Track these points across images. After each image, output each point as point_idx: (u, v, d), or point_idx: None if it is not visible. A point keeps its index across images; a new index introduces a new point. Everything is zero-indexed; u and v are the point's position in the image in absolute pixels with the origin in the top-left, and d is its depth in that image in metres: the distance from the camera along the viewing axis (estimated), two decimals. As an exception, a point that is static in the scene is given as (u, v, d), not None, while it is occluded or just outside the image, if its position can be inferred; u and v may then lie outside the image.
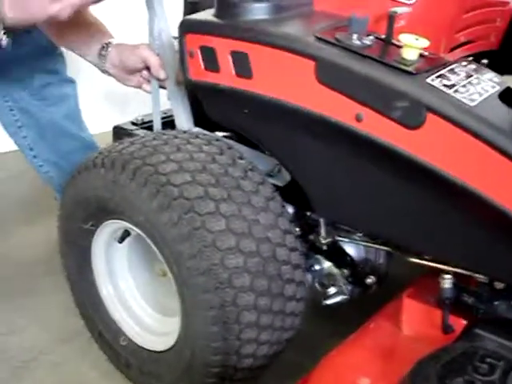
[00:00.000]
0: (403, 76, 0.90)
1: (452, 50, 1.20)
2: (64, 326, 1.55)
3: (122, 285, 1.33)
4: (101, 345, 1.37)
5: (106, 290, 1.32)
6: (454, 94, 0.88)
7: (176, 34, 1.22)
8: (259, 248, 1.06)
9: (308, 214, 1.28)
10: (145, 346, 1.27)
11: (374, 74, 0.91)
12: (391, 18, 0.98)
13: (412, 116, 0.88)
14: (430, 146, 0.88)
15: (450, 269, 1.04)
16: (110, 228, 1.23)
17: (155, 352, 1.24)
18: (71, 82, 1.65)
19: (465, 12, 1.17)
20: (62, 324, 1.56)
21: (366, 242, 1.22)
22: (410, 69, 0.90)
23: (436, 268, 1.06)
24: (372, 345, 1.14)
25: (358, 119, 0.93)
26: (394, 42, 0.99)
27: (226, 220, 1.05)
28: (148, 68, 1.33)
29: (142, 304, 1.32)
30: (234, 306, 1.04)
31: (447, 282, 1.04)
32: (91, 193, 1.18)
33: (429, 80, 0.90)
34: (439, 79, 0.90)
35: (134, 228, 1.15)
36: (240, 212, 1.07)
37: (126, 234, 1.26)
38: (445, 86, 0.89)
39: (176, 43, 1.29)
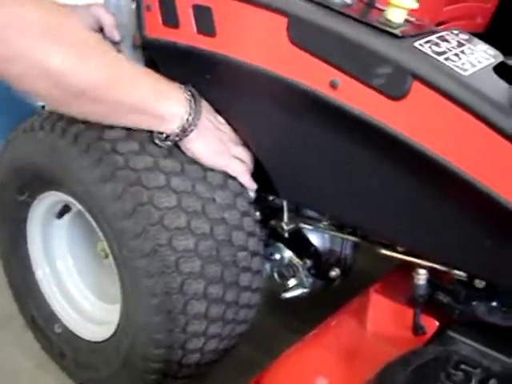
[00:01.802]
0: (387, 39, 0.79)
1: (437, 25, 1.09)
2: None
3: (60, 265, 1.20)
4: (34, 331, 1.23)
5: (41, 271, 1.19)
6: (444, 62, 0.77)
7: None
8: (213, 230, 0.95)
9: (270, 197, 1.16)
10: (81, 335, 1.14)
11: (353, 35, 0.79)
12: (375, -21, 0.87)
13: (395, 84, 0.76)
14: (414, 120, 0.77)
15: (425, 263, 0.93)
16: (47, 201, 1.10)
17: (92, 342, 1.11)
18: None
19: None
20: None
21: (333, 230, 1.10)
22: (395, 31, 0.79)
23: (409, 262, 0.95)
24: (333, 343, 1.02)
25: (333, 86, 0.81)
26: (377, 5, 0.88)
27: (176, 196, 0.92)
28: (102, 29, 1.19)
29: (80, 288, 1.20)
30: (180, 294, 0.92)
31: (421, 277, 0.93)
32: (27, 159, 1.05)
33: (416, 44, 0.78)
34: (428, 45, 0.79)
35: (73, 200, 1.02)
36: (193, 189, 0.94)
37: (66, 209, 1.12)
38: (434, 52, 0.78)
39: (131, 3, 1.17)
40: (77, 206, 1.03)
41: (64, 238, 1.18)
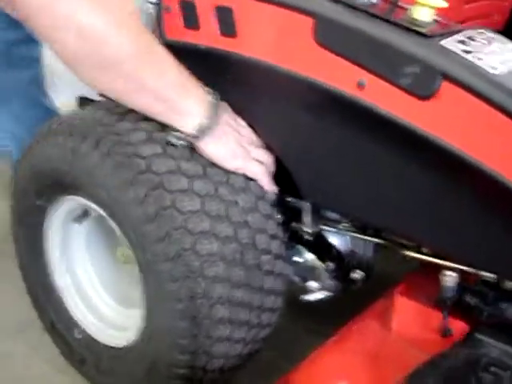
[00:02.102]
0: (415, 38, 0.77)
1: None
2: (16, 316, 1.40)
3: (79, 271, 1.18)
4: (53, 337, 1.22)
5: (60, 276, 1.18)
6: (474, 60, 0.76)
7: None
8: (237, 233, 0.94)
9: (291, 199, 1.15)
10: (102, 341, 1.13)
11: (380, 35, 0.78)
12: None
13: (424, 84, 0.75)
14: (444, 120, 0.75)
15: (453, 265, 0.92)
16: (66, 206, 1.09)
17: (114, 348, 1.10)
18: (37, 42, 1.49)
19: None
20: (14, 313, 1.41)
21: (355, 232, 1.09)
22: (423, 30, 0.78)
23: (435, 264, 0.94)
24: (358, 347, 1.01)
25: (360, 86, 0.80)
26: (401, 4, 0.87)
27: (200, 199, 0.91)
28: None
29: (100, 293, 1.18)
30: (205, 299, 0.91)
31: (449, 279, 0.91)
32: (47, 164, 1.04)
33: (444, 43, 0.77)
34: (457, 44, 0.78)
35: (94, 206, 1.01)
36: (216, 192, 0.93)
37: (85, 214, 1.11)
38: (463, 51, 0.77)
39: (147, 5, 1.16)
40: (96, 210, 1.02)
41: (83, 244, 1.17)
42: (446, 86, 0.74)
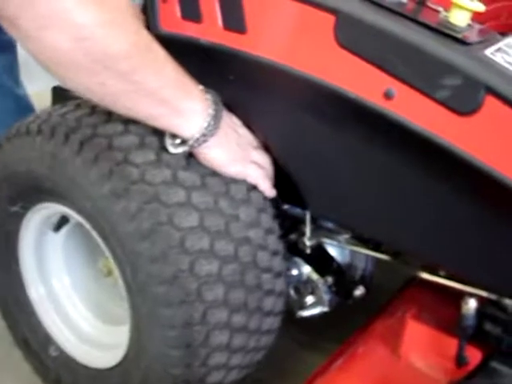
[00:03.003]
0: (454, 45, 0.68)
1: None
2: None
3: (56, 282, 1.08)
4: (25, 353, 1.11)
5: (34, 288, 1.07)
6: (520, 73, 0.67)
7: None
8: (237, 251, 0.84)
9: (288, 207, 1.06)
10: (80, 360, 1.02)
11: (414, 39, 0.69)
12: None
13: (465, 98, 0.67)
14: (486, 139, 0.67)
15: (473, 290, 0.84)
16: (43, 212, 0.98)
17: (93, 368, 1.00)
18: None
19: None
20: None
21: (358, 246, 1.01)
22: (463, 37, 0.69)
23: (454, 288, 0.86)
24: (364, 374, 0.93)
25: (388, 96, 0.71)
26: (430, 5, 0.78)
27: (198, 214, 0.81)
28: None
29: (79, 307, 1.08)
30: (202, 325, 0.82)
31: (471, 307, 0.84)
32: (22, 167, 0.93)
33: (488, 53, 0.68)
34: (500, 54, 0.69)
35: (76, 215, 0.90)
36: (216, 204, 0.84)
37: (64, 220, 1.00)
38: (508, 62, 0.68)
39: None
40: (76, 217, 0.92)
41: (60, 253, 1.06)
42: (490, 101, 0.65)
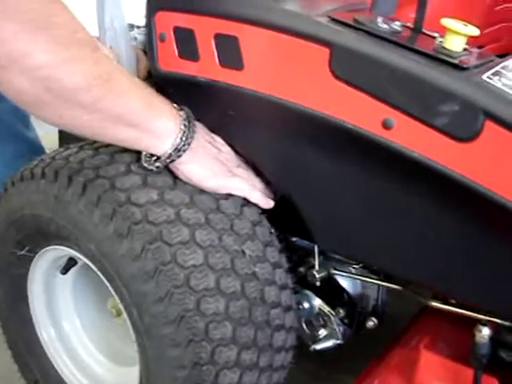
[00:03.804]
0: (450, 71, 0.68)
1: (477, 48, 0.99)
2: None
3: (66, 324, 1.07)
4: (37, 396, 1.10)
5: (45, 330, 1.06)
6: (518, 96, 0.66)
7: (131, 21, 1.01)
8: (244, 288, 0.83)
9: (296, 239, 1.05)
10: (93, 403, 1.02)
11: (410, 67, 0.69)
12: (422, 1, 0.77)
13: (464, 124, 0.66)
14: (487, 165, 0.66)
15: (487, 318, 0.82)
16: (50, 255, 0.98)
17: (106, 410, 0.99)
18: None
19: (498, 2, 0.97)
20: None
21: (368, 276, 0.99)
22: (458, 62, 0.68)
23: (466, 316, 0.85)
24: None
25: (387, 126, 0.70)
26: (427, 32, 0.77)
27: (203, 252, 0.81)
28: None
29: (90, 349, 1.07)
30: (211, 365, 0.81)
31: (484, 336, 0.82)
32: (28, 211, 0.93)
33: (485, 77, 0.68)
34: (497, 77, 0.68)
35: (82, 258, 0.90)
36: (220, 241, 0.83)
37: (72, 262, 1.00)
38: (506, 86, 0.67)
39: (131, 33, 1.06)
40: (83, 259, 0.91)
41: (69, 294, 1.05)
42: (489, 126, 0.65)
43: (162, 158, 0.82)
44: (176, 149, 0.81)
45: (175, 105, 0.84)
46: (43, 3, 0.70)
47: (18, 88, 0.70)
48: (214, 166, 0.86)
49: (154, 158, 0.83)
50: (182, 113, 0.83)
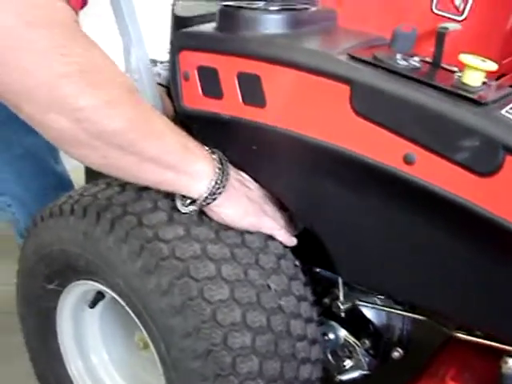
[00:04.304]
0: (470, 106, 0.69)
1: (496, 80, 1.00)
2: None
3: (94, 358, 1.08)
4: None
5: (73, 363, 1.08)
6: (537, 131, 0.67)
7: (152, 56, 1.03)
8: (270, 321, 0.84)
9: (320, 270, 1.06)
10: None
11: (429, 104, 0.70)
12: (440, 36, 0.78)
13: (485, 159, 0.67)
14: (509, 199, 0.67)
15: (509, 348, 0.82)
16: (79, 289, 1.00)
17: None
18: None
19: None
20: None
21: (394, 308, 0.99)
22: (477, 97, 0.69)
23: (492, 346, 0.84)
24: None
25: (408, 161, 0.72)
26: (444, 66, 0.79)
27: (229, 286, 0.82)
28: None
29: (117, 381, 1.08)
30: (238, 398, 0.81)
31: (511, 367, 0.82)
32: (57, 246, 0.95)
33: (504, 112, 0.69)
34: (514, 111, 0.69)
35: (110, 292, 0.91)
36: (246, 276, 0.84)
37: (100, 296, 1.02)
38: (523, 119, 0.68)
39: (154, 69, 1.08)
40: (111, 293, 0.93)
41: (97, 328, 1.07)
42: (509, 160, 0.66)
43: (198, 201, 0.83)
44: (211, 192, 0.82)
45: (207, 148, 0.85)
46: (86, 47, 0.73)
47: (58, 128, 0.73)
48: (246, 206, 0.87)
49: (189, 201, 0.84)
50: (215, 156, 0.84)
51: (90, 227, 0.88)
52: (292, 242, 0.92)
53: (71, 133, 0.73)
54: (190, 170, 0.81)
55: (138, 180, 0.83)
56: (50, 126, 0.73)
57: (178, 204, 0.85)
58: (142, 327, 0.88)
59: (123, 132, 0.75)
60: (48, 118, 0.72)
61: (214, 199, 0.83)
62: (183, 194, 0.84)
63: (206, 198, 0.82)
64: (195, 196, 0.83)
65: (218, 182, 0.82)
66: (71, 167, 1.54)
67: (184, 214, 0.85)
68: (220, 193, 0.83)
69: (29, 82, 0.70)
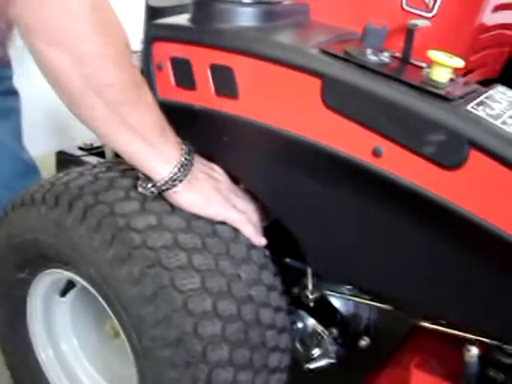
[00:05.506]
0: (437, 102, 0.71)
1: (464, 75, 1.02)
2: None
3: (64, 346, 1.08)
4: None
5: (43, 352, 1.08)
6: (502, 127, 0.69)
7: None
8: (240, 310, 0.86)
9: (290, 261, 1.07)
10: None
11: (398, 98, 0.72)
12: (410, 32, 0.80)
13: (450, 153, 0.69)
14: (473, 192, 0.69)
15: (477, 337, 0.85)
16: (50, 278, 1.00)
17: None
18: (16, 93, 1.41)
19: (483, 31, 1.00)
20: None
21: (359, 297, 1.02)
22: (444, 93, 0.71)
23: (457, 336, 0.87)
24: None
25: (376, 154, 0.74)
26: (413, 61, 0.81)
27: (200, 275, 0.83)
28: None
29: (88, 370, 1.08)
30: (208, 386, 0.82)
31: (473, 354, 0.84)
32: (28, 235, 0.95)
33: (469, 108, 0.71)
34: (481, 107, 0.72)
35: (82, 281, 0.92)
36: (217, 265, 0.85)
37: (70, 285, 1.02)
38: (489, 116, 0.70)
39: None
40: (82, 282, 0.93)
41: (68, 317, 1.07)
42: (474, 154, 0.68)
43: (158, 184, 0.84)
44: (171, 178, 0.84)
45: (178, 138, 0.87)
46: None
47: (58, 66, 0.75)
48: (210, 196, 0.88)
49: (150, 184, 0.85)
50: (184, 146, 0.86)
51: (62, 216, 0.88)
52: (260, 241, 0.93)
53: (68, 75, 0.76)
54: (160, 150, 0.83)
55: (111, 141, 0.84)
56: (51, 61, 0.75)
57: (139, 185, 0.86)
58: (113, 316, 0.88)
59: (118, 89, 0.78)
60: (52, 51, 0.74)
61: (174, 186, 0.84)
62: (146, 172, 0.85)
63: (166, 182, 0.84)
64: (156, 177, 0.84)
65: (181, 170, 0.84)
66: (38, 154, 1.54)
67: (140, 193, 0.87)
68: (181, 180, 0.84)
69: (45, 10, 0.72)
